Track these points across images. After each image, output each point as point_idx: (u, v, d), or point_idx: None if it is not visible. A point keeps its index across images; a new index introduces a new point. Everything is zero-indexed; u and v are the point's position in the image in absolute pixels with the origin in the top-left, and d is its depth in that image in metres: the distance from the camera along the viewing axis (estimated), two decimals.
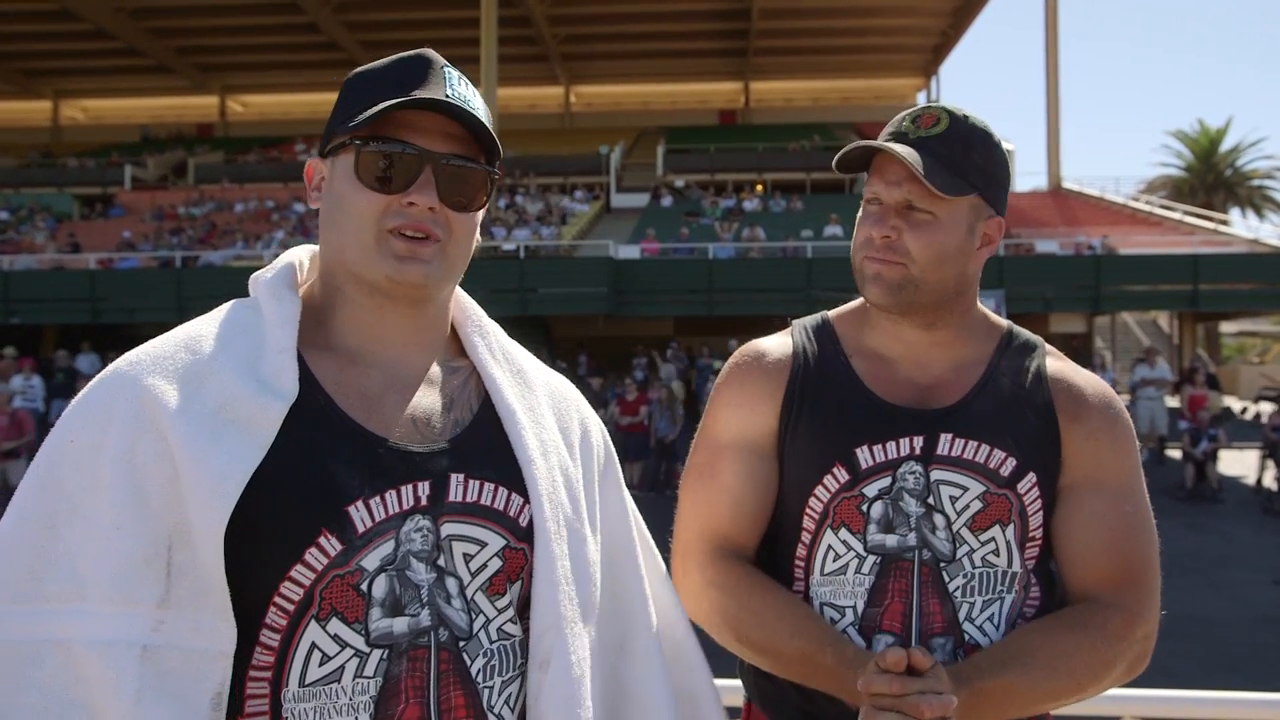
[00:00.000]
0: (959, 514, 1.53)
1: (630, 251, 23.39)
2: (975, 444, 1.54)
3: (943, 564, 1.53)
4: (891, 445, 1.55)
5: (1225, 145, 43.72)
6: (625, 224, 27.36)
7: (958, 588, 1.52)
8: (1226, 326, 38.74)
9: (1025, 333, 1.68)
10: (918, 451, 1.55)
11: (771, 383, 1.63)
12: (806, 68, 40.79)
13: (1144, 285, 21.96)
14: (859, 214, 1.62)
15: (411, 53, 1.24)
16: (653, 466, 13.74)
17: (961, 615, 1.52)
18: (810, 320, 1.73)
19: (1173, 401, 17.18)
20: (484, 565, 1.20)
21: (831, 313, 1.73)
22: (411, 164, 1.19)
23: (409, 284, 1.21)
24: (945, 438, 1.55)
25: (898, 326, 1.62)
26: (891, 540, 1.54)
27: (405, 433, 1.20)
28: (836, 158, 1.58)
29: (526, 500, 1.23)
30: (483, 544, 1.20)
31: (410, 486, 1.17)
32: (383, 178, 1.19)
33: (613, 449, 1.46)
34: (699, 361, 20.04)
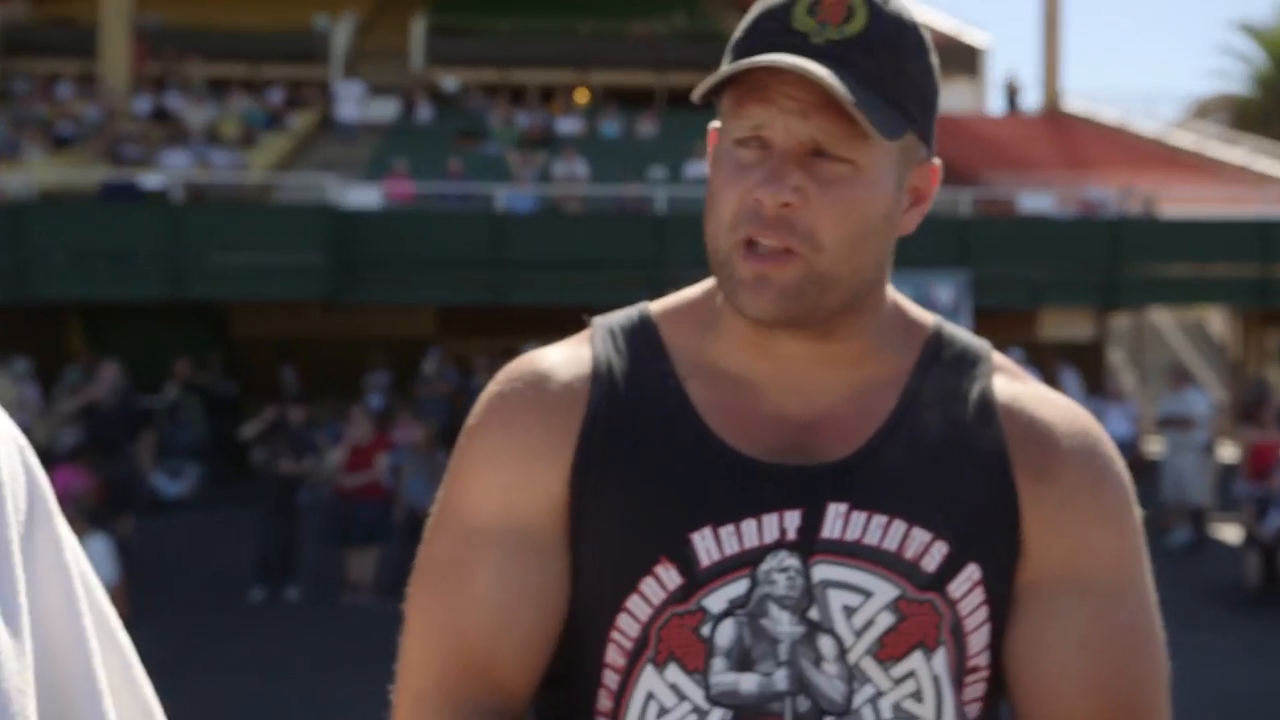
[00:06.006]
0: (858, 635, 1.34)
1: (366, 197, 18.90)
2: (883, 519, 1.32)
3: (831, 718, 1.33)
4: (750, 526, 1.33)
5: None
6: (357, 151, 22.16)
7: None
8: None
9: (963, 335, 1.42)
10: (791, 535, 1.33)
11: (556, 425, 1.39)
12: None
13: (1186, 267, 18.32)
14: (714, 162, 1.32)
15: None
16: (396, 556, 10.73)
17: None
18: (621, 320, 1.43)
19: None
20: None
21: (654, 306, 1.42)
22: None
23: None
24: (836, 510, 1.33)
25: (770, 335, 1.36)
26: (749, 683, 1.36)
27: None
28: (703, 86, 1.29)
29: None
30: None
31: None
32: None
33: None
34: (475, 379, 16.08)
